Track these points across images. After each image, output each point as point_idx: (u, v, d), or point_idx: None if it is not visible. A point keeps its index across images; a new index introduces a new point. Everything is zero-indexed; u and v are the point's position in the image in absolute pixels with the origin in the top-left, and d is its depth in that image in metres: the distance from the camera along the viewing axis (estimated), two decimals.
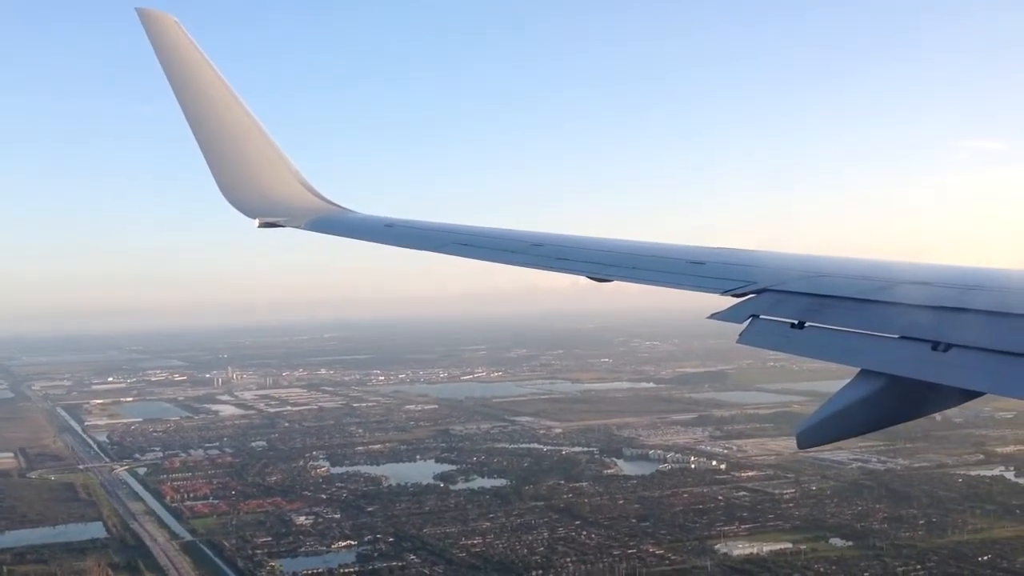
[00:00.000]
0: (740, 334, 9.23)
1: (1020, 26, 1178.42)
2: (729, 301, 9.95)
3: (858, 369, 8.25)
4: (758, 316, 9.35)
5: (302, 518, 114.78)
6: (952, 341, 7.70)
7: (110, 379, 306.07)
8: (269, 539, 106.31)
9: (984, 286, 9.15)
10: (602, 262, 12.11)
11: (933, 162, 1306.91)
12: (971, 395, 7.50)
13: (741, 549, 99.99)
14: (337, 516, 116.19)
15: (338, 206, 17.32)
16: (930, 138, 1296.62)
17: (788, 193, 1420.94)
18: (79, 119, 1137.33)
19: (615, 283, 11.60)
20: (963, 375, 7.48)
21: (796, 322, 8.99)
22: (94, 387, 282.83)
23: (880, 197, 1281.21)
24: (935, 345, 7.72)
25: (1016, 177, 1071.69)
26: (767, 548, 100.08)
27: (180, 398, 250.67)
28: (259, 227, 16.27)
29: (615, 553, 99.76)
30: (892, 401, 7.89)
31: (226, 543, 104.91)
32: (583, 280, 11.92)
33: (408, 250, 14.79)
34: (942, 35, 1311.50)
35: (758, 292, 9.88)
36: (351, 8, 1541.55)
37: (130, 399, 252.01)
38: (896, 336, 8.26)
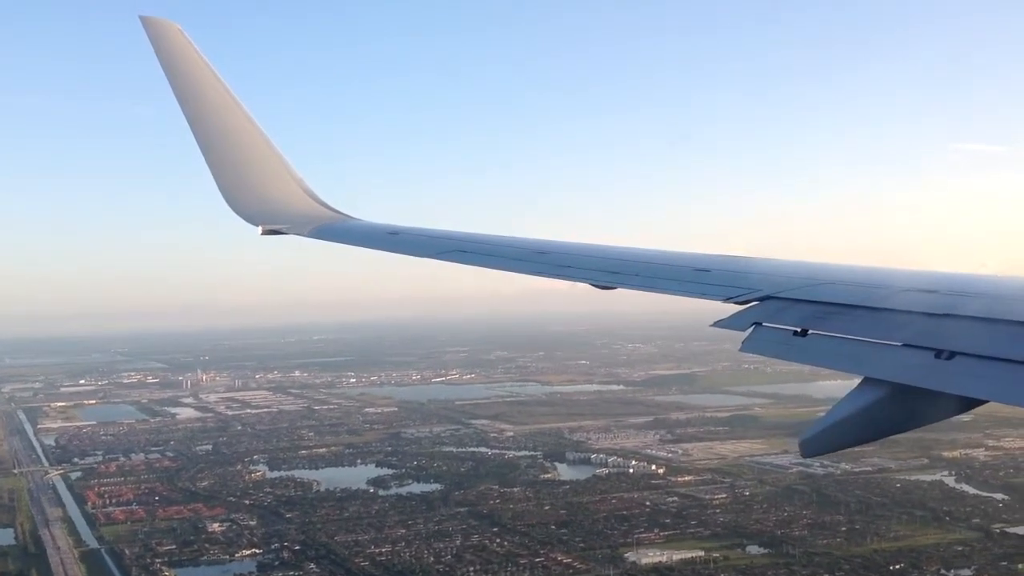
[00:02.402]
0: (743, 342, 9.08)
1: (1020, 28, 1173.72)
2: (732, 308, 9.85)
3: (860, 377, 8.09)
4: (761, 324, 9.24)
5: (216, 525, 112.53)
6: (955, 349, 7.62)
7: (82, 381, 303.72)
8: (174, 547, 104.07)
9: (988, 293, 9.17)
10: (606, 269, 12.11)
11: (931, 165, 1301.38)
12: (974, 403, 7.41)
13: (651, 557, 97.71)
14: (253, 523, 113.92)
15: (341, 213, 17.20)
16: (928, 141, 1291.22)
17: (785, 197, 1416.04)
18: (77, 120, 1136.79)
19: (624, 290, 11.55)
20: (966, 383, 7.35)
21: (799, 330, 8.87)
22: (63, 389, 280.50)
23: (878, 200, 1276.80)
24: (938, 353, 7.65)
25: (1016, 181, 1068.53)
26: (678, 556, 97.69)
27: (144, 401, 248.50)
28: (262, 234, 16.09)
29: (522, 562, 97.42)
30: (895, 409, 7.75)
31: (128, 551, 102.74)
32: (579, 284, 11.99)
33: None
34: (941, 37, 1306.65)
35: (761, 299, 9.76)
36: (353, 11, 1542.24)
37: (94, 402, 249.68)
38: (899, 344, 8.16)
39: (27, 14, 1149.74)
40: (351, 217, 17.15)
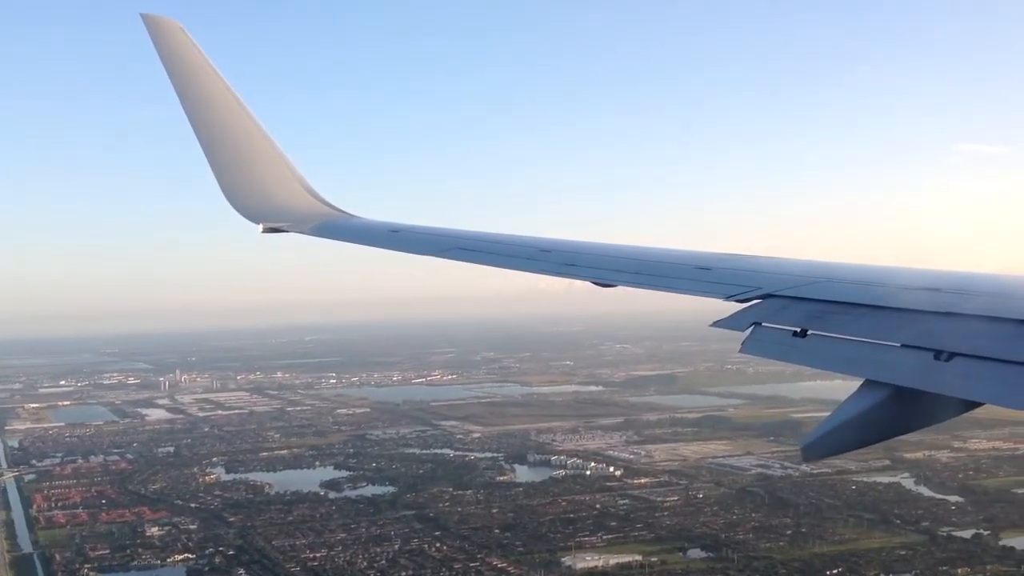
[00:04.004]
0: (742, 343, 8.93)
1: (1020, 29, 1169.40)
2: (734, 307, 9.74)
3: (851, 379, 8.09)
4: (760, 324, 9.09)
5: (155, 529, 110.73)
6: (954, 350, 7.51)
7: (62, 382, 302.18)
8: (107, 552, 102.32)
9: (989, 292, 9.05)
10: (607, 267, 12.01)
11: (932, 166, 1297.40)
12: (974, 404, 7.36)
13: (588, 562, 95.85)
14: (193, 527, 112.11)
15: (342, 211, 17.19)
16: (929, 142, 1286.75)
17: (786, 197, 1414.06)
18: (78, 121, 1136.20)
19: (626, 289, 11.46)
20: (965, 386, 7.27)
21: (798, 330, 8.75)
22: (41, 391, 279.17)
23: (879, 201, 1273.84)
24: (937, 354, 7.55)
25: (1017, 182, 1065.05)
26: (615, 560, 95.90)
27: (118, 402, 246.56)
28: (263, 232, 16.13)
29: (456, 566, 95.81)
30: (896, 411, 7.60)
31: (59, 556, 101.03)
32: (579, 284, 11.94)
33: (409, 254, 14.60)
34: (941, 37, 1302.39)
35: (762, 297, 9.66)
36: (354, 13, 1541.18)
37: (68, 403, 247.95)
38: (898, 344, 8.04)
39: (27, 17, 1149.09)
40: (352, 215, 17.06)
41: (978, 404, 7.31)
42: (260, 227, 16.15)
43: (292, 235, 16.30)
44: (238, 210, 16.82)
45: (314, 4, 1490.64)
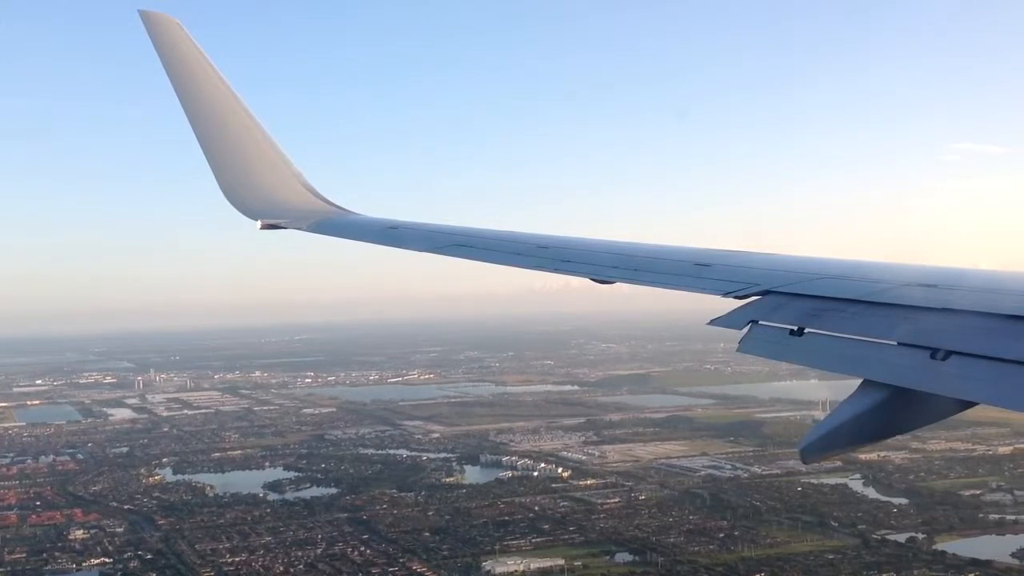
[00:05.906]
0: (740, 342, 8.80)
1: (1016, 29, 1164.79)
2: (732, 304, 9.64)
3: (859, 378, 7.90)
4: (757, 322, 8.99)
5: (80, 532, 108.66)
6: (950, 348, 7.40)
7: (38, 381, 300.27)
8: (24, 555, 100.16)
9: (985, 288, 8.84)
10: (605, 264, 11.94)
11: (929, 166, 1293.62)
12: (971, 403, 7.29)
13: (509, 566, 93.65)
14: (120, 530, 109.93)
15: (340, 208, 17.20)
16: (925, 141, 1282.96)
17: (780, 197, 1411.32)
18: (74, 119, 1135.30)
19: (624, 288, 11.50)
20: (961, 386, 7.14)
21: (795, 328, 8.62)
22: (15, 390, 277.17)
23: (874, 201, 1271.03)
24: (934, 353, 7.45)
25: (1013, 182, 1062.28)
26: (536, 565, 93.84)
27: (87, 402, 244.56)
28: (261, 228, 16.06)
29: (374, 571, 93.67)
30: (894, 411, 7.51)
31: None
32: (575, 283, 11.64)
33: (408, 252, 14.57)
34: (937, 38, 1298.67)
35: (761, 294, 9.57)
36: (353, 11, 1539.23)
37: (38, 402, 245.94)
38: (895, 343, 7.88)
39: (25, 14, 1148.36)
40: (350, 211, 17.03)
41: (974, 403, 7.13)
42: (259, 224, 16.01)
43: (292, 233, 16.20)
44: (236, 207, 16.76)
45: (313, 2, 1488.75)
